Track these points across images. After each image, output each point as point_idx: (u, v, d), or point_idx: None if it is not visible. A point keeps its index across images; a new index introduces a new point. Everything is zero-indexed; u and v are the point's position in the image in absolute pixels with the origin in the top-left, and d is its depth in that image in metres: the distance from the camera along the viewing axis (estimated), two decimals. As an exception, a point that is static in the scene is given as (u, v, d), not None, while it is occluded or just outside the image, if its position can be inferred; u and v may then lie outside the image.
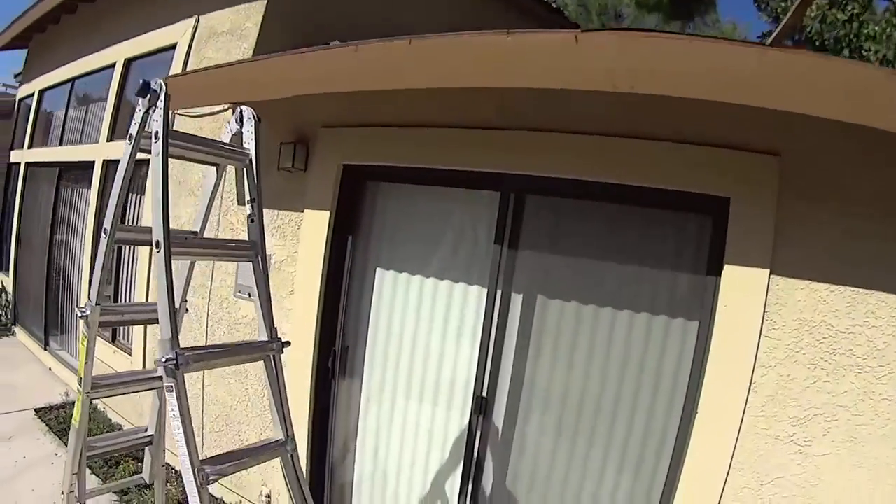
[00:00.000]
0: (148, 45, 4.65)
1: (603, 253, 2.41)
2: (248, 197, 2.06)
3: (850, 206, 1.85)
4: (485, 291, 2.60)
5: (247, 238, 2.05)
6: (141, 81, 1.86)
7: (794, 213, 1.93)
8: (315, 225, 3.00)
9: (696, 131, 2.08)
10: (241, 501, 3.46)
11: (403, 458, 2.94)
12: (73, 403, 2.08)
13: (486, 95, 2.44)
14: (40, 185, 6.35)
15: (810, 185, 1.92)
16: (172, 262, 1.71)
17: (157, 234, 1.68)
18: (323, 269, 2.95)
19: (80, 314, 1.89)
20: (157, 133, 1.77)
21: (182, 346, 1.65)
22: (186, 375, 1.66)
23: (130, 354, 4.44)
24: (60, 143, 6.10)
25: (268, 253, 3.26)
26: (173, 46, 4.27)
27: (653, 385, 2.30)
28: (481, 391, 2.60)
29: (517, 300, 2.56)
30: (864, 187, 1.84)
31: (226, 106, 3.69)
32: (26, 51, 7.04)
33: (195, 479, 1.61)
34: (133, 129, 1.84)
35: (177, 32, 4.30)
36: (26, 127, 6.76)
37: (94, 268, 1.95)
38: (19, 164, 6.80)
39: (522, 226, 2.54)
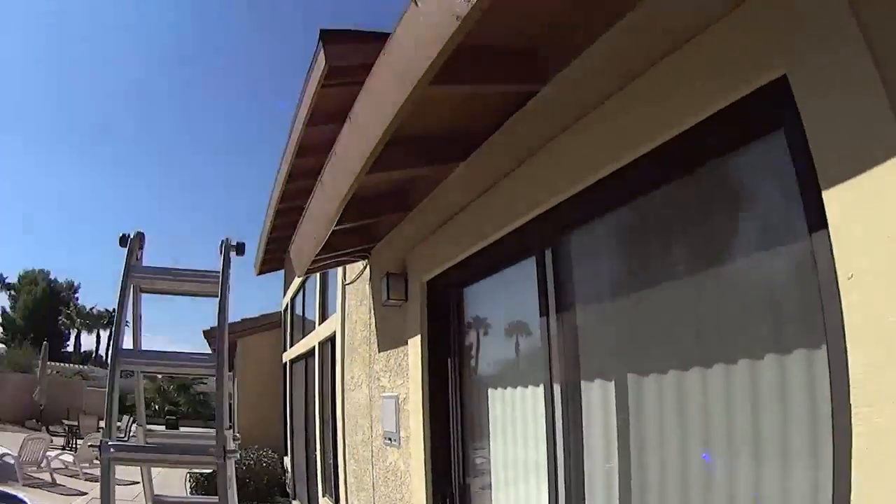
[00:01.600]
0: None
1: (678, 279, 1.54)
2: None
3: None
4: (541, 392, 1.99)
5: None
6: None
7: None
8: (414, 352, 2.82)
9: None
10: None
11: None
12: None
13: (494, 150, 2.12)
14: (295, 378, 7.57)
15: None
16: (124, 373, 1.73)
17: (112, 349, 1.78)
18: (423, 400, 2.68)
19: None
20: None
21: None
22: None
23: None
24: (302, 337, 7.32)
25: (393, 393, 3.17)
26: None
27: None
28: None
29: (591, 390, 1.82)
30: None
31: (364, 265, 3.99)
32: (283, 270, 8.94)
33: None
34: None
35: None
36: (286, 332, 8.34)
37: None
38: (286, 363, 8.31)
39: (572, 278, 1.91)
